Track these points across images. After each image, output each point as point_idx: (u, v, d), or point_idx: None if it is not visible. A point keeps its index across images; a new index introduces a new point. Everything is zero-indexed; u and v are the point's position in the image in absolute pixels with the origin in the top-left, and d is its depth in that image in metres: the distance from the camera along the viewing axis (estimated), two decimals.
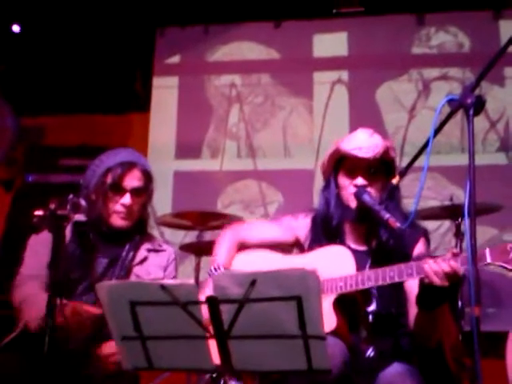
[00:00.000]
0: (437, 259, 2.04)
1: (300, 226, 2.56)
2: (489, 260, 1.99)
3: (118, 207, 2.52)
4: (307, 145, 5.55)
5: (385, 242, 2.36)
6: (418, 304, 2.13)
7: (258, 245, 2.57)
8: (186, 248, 4.20)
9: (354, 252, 2.35)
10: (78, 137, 5.65)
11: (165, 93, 5.88)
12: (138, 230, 2.61)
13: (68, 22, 5.63)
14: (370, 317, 2.31)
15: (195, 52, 5.92)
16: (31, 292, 2.35)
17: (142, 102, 5.89)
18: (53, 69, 5.81)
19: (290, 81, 5.75)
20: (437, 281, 1.99)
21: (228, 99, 5.80)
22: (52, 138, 5.93)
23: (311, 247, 2.48)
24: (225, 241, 2.56)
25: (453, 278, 1.98)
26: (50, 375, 2.14)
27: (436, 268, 1.99)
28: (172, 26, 5.96)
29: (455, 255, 2.02)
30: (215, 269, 2.43)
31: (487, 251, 1.99)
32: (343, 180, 2.43)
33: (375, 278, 2.16)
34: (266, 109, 5.74)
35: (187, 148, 5.72)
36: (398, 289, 2.31)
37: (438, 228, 4.72)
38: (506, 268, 1.98)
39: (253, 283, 1.57)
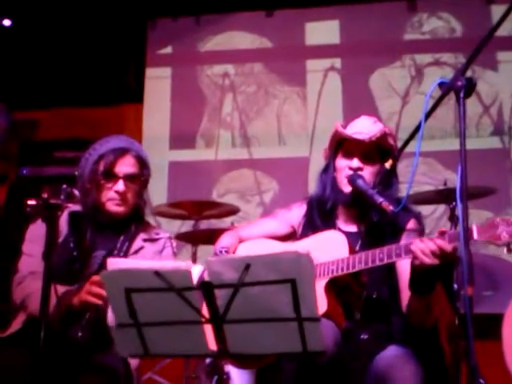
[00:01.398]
0: (423, 238, 2.05)
1: (294, 215, 2.61)
2: (475, 237, 1.97)
3: (112, 194, 2.50)
4: (301, 133, 5.56)
5: (376, 224, 2.38)
6: (411, 288, 2.14)
7: None
8: (183, 237, 4.21)
9: (345, 234, 2.36)
10: (72, 130, 5.65)
11: (158, 84, 5.88)
12: (134, 219, 2.61)
13: (59, 15, 5.62)
14: (363, 300, 2.32)
15: (187, 42, 5.92)
16: (36, 287, 2.30)
17: (135, 94, 5.88)
18: (45, 63, 5.81)
19: (282, 69, 5.75)
20: (426, 260, 1.99)
21: (221, 89, 5.80)
22: (45, 131, 5.93)
23: (305, 231, 2.51)
24: (226, 237, 2.59)
25: (441, 256, 1.98)
26: (56, 366, 2.16)
27: (422, 247, 2.00)
28: (163, 18, 5.95)
29: (441, 233, 2.03)
30: (220, 251, 2.46)
31: (474, 228, 1.97)
32: (340, 162, 2.47)
33: (365, 260, 2.17)
34: (260, 98, 5.74)
35: (181, 138, 5.73)
36: (389, 273, 2.33)
37: (433, 212, 4.74)
38: (492, 243, 1.97)
39: (247, 267, 1.58)
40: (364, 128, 2.43)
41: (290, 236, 2.60)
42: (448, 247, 1.98)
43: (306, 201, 2.60)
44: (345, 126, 2.49)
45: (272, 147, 5.61)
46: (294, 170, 5.41)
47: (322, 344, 1.60)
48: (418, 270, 2.06)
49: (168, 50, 5.97)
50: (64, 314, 2.24)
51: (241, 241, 2.58)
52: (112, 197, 2.51)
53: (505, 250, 1.95)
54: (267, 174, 5.54)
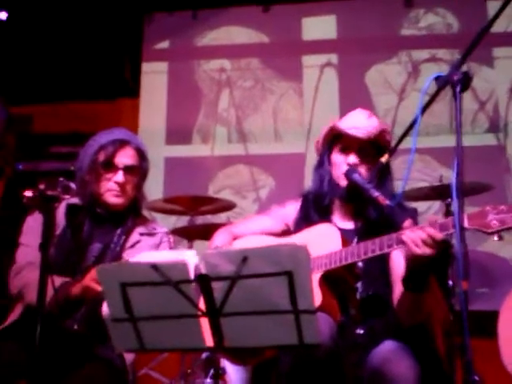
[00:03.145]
0: (414, 228, 2.05)
1: (287, 212, 2.60)
2: (466, 225, 1.95)
3: (111, 185, 2.51)
4: (297, 128, 5.55)
5: (372, 221, 2.38)
6: (404, 285, 2.13)
7: None
8: (178, 233, 4.21)
9: (341, 230, 2.35)
10: (68, 124, 5.62)
11: (154, 78, 5.86)
12: (131, 212, 2.61)
13: (55, 8, 5.60)
14: (358, 295, 2.32)
15: (184, 37, 5.90)
16: (33, 277, 2.31)
17: (131, 88, 5.87)
18: (41, 56, 5.78)
19: (279, 65, 5.74)
20: (417, 250, 1.98)
21: (218, 84, 5.79)
22: (41, 125, 5.91)
23: (299, 226, 2.50)
24: (219, 236, 2.59)
25: (432, 245, 1.97)
26: (53, 359, 2.17)
27: (413, 236, 1.99)
28: (160, 12, 5.94)
29: (432, 223, 2.03)
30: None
31: (465, 217, 1.96)
32: (336, 158, 2.47)
33: (358, 252, 2.16)
34: (256, 93, 5.73)
35: (178, 134, 5.72)
36: (386, 268, 2.33)
37: (429, 209, 4.74)
38: (482, 231, 1.97)
39: (244, 260, 1.58)
40: (360, 122, 2.43)
41: (284, 233, 2.59)
42: (439, 235, 1.97)
43: (301, 197, 2.60)
44: (338, 119, 2.50)
45: (268, 143, 5.60)
46: (291, 166, 5.41)
47: (318, 336, 1.60)
48: (411, 264, 2.06)
49: (164, 44, 5.95)
50: (62, 305, 2.25)
51: (235, 238, 2.58)
52: (111, 187, 2.51)
53: (495, 237, 1.96)
54: (263, 169, 5.53)
